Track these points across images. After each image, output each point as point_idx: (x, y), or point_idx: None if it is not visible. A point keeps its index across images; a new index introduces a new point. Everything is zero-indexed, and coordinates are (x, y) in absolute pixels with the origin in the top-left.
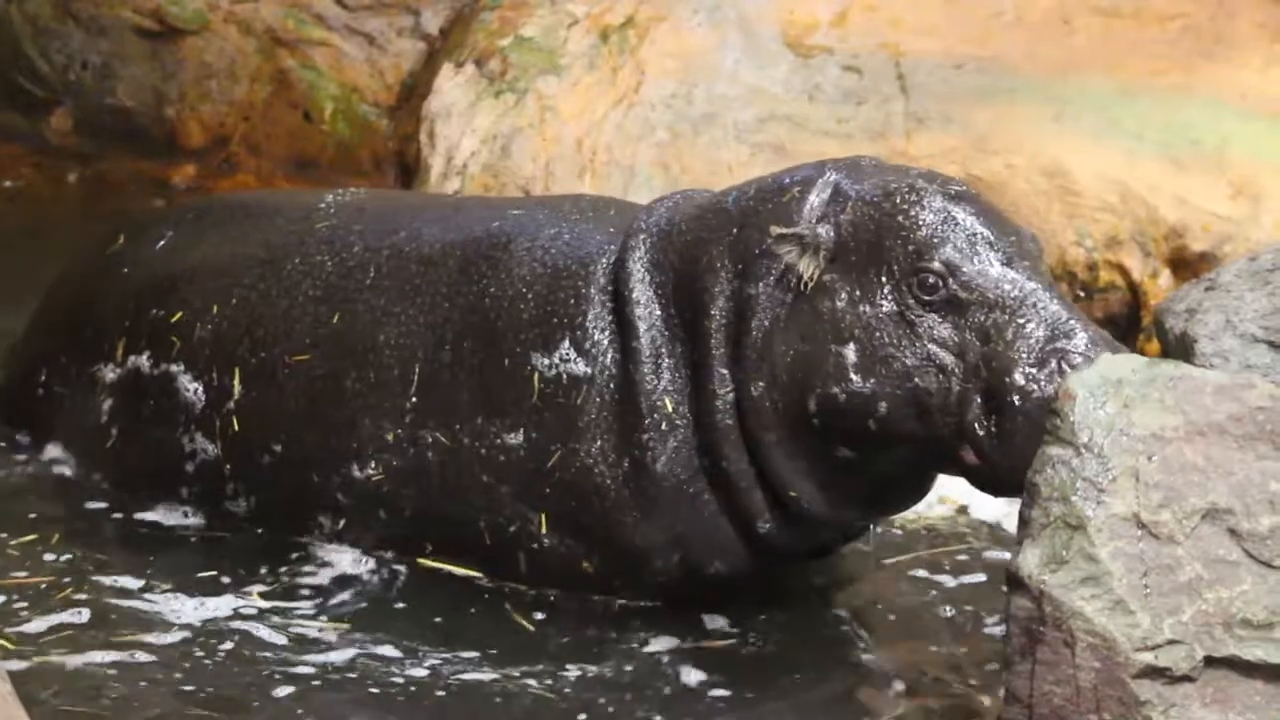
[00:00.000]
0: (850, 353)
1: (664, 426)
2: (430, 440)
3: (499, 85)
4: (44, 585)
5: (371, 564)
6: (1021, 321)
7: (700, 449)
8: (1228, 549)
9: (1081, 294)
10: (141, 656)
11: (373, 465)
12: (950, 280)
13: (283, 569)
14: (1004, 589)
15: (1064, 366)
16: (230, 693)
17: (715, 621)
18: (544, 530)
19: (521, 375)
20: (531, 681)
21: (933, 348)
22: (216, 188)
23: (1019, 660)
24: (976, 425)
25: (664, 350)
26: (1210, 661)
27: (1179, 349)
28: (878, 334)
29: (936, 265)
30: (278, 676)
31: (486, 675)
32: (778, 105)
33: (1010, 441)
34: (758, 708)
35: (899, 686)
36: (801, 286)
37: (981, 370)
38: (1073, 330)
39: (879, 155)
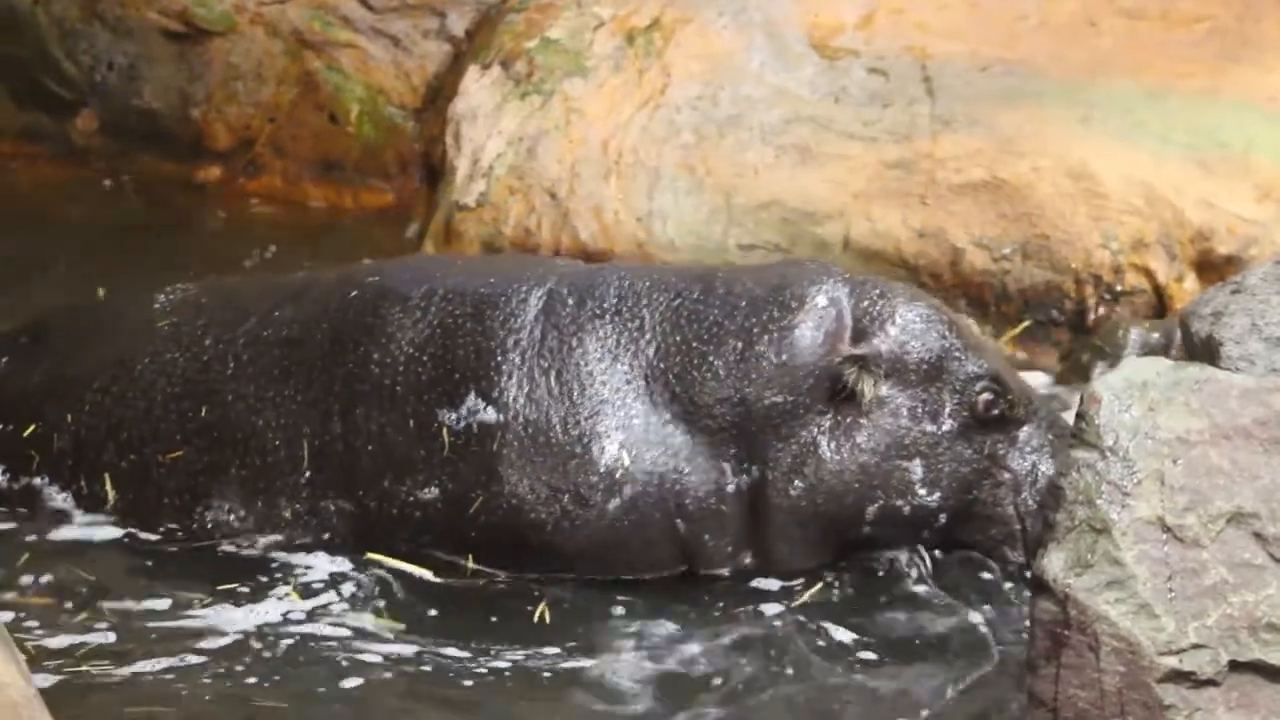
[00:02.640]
0: (917, 468)
1: (618, 475)
2: (333, 509)
3: (525, 87)
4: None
5: (348, 565)
6: (1052, 431)
7: (670, 513)
8: (1253, 553)
9: (1107, 297)
10: (194, 660)
11: (272, 540)
12: (1002, 399)
13: (278, 576)
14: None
15: None
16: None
17: (770, 584)
18: (470, 565)
19: (429, 433)
20: (629, 657)
21: (991, 465)
22: (243, 189)
23: (1043, 663)
24: (1034, 534)
25: (625, 411)
26: (1235, 666)
27: (1204, 352)
28: (943, 451)
29: (994, 385)
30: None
31: (582, 662)
32: (803, 107)
33: None
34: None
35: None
36: (863, 404)
37: (1037, 482)
38: None
39: (905, 157)
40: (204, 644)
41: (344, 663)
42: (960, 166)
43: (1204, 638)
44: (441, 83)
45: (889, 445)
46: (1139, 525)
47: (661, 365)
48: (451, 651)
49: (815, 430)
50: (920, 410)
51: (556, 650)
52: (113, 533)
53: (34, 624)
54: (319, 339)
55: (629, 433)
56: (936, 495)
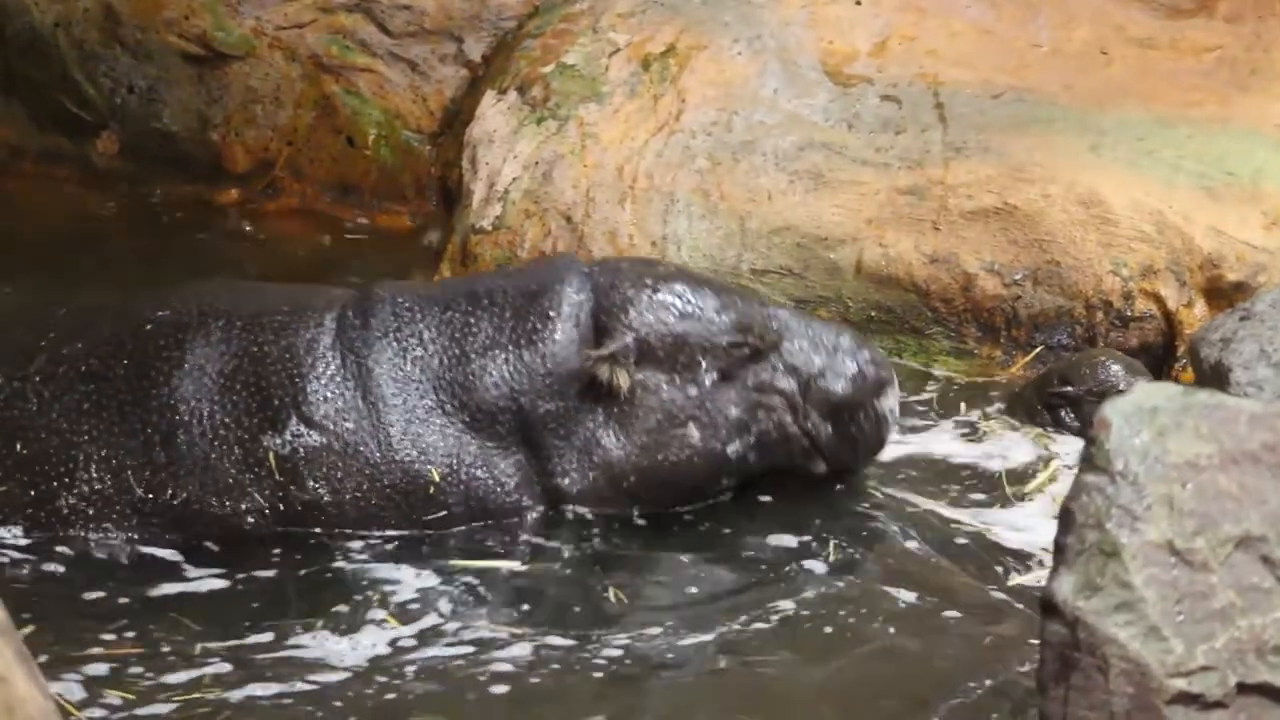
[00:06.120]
0: (693, 431)
1: (431, 491)
2: (166, 538)
3: (541, 112)
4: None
5: (435, 579)
6: (810, 344)
7: (476, 516)
8: (1261, 576)
9: (1117, 323)
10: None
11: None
12: (749, 335)
13: (357, 598)
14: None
15: (868, 368)
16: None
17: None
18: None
19: (255, 458)
20: (734, 623)
21: (757, 395)
22: (261, 211)
23: (1053, 685)
24: (825, 441)
25: (427, 427)
26: (1243, 688)
27: (1214, 378)
28: (709, 405)
29: (736, 331)
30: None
31: (685, 639)
32: (817, 133)
33: (854, 446)
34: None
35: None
36: (623, 394)
37: (811, 395)
38: (840, 336)
39: (918, 184)
40: (318, 676)
41: (479, 674)
42: (972, 193)
43: (1212, 660)
44: (458, 107)
45: (660, 420)
46: (1148, 549)
47: (448, 377)
48: (559, 642)
49: (592, 425)
50: (678, 380)
51: (656, 630)
52: (215, 585)
53: (140, 669)
54: (121, 373)
55: (436, 448)
56: (718, 445)
